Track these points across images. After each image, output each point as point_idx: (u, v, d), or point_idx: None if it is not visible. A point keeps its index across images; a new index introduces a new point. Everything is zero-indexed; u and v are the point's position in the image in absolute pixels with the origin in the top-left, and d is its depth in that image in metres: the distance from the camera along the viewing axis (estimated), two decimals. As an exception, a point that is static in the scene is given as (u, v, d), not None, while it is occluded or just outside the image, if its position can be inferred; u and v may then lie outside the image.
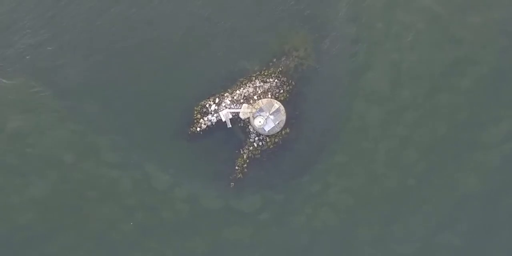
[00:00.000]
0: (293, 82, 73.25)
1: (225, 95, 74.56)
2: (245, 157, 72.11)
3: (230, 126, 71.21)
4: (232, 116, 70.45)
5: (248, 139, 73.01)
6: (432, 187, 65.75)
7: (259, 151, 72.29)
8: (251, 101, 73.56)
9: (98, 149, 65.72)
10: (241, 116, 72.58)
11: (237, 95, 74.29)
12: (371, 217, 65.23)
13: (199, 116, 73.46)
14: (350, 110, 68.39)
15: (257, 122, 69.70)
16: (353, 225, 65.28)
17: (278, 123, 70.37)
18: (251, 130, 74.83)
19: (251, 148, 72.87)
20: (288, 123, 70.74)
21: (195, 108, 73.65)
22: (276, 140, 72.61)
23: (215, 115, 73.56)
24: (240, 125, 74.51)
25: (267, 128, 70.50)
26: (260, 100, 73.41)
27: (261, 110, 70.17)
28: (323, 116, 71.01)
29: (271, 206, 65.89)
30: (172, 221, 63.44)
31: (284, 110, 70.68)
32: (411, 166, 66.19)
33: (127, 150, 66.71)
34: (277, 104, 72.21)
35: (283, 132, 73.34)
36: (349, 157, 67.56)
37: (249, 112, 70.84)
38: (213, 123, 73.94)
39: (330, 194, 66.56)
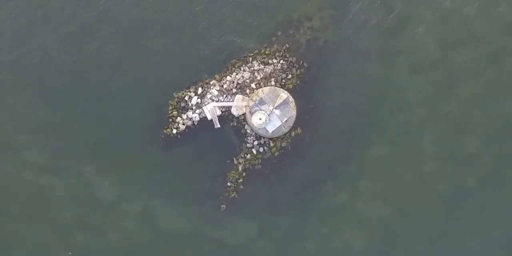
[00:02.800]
0: (305, 64, 60.53)
1: (211, 83, 60.94)
2: (240, 169, 59.42)
3: (219, 126, 58.84)
4: (221, 112, 58.99)
5: (244, 144, 60.35)
6: (500, 189, 52.18)
7: (260, 161, 59.68)
8: (247, 91, 60.74)
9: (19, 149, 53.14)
10: (234, 112, 59.63)
11: (227, 82, 60.72)
12: (414, 234, 53.38)
13: (175, 113, 60.32)
14: (383, 98, 57.39)
15: (256, 120, 57.84)
16: (388, 246, 53.35)
17: (286, 120, 58.52)
18: (248, 131, 61.21)
19: (248, 156, 59.93)
20: (299, 120, 59.16)
21: (170, 102, 60.24)
22: (283, 144, 60.01)
23: (197, 111, 60.48)
24: (233, 124, 61.49)
25: (270, 128, 58.27)
26: (260, 89, 59.90)
27: (261, 102, 58.44)
28: (348, 108, 59.71)
29: (273, 234, 55.23)
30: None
31: (293, 103, 58.85)
32: (470, 159, 53.40)
33: (68, 155, 54.44)
34: (284, 94, 58.85)
35: (293, 133, 60.34)
36: (386, 149, 56.15)
37: (245, 106, 58.44)
38: (195, 123, 60.83)
39: (357, 206, 55.59)
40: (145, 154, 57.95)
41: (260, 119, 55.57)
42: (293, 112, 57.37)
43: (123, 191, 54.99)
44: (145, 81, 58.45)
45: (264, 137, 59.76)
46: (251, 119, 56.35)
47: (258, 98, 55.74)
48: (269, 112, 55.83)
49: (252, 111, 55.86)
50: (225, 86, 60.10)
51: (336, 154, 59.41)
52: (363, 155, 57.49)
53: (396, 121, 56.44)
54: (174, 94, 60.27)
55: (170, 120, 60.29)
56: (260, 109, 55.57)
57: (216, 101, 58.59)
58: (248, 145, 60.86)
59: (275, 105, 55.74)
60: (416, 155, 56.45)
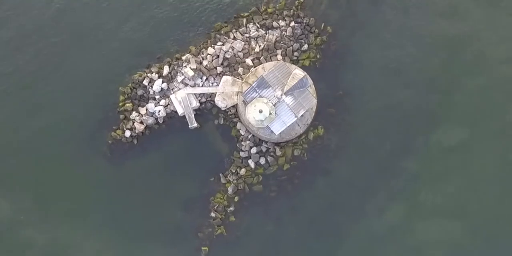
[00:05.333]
0: (328, 28, 47.29)
1: (184, 58, 46.18)
2: (230, 191, 45.60)
3: (196, 125, 45.21)
4: (200, 103, 45.42)
5: (236, 153, 46.50)
6: None
7: (261, 178, 46.25)
8: (240, 70, 45.29)
9: None
10: (219, 102, 44.37)
11: (208, 57, 46.00)
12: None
13: (129, 105, 46.59)
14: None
15: (255, 113, 40.68)
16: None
17: (303, 115, 41.79)
18: (241, 132, 45.78)
19: (242, 171, 45.75)
20: (320, 115, 45.61)
21: (120, 89, 47.03)
22: (296, 152, 46.07)
23: (162, 102, 46.10)
24: (218, 122, 46.72)
25: (277, 127, 41.76)
26: (260, 66, 43.24)
27: (262, 84, 41.13)
28: (395, 97, 47.10)
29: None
30: None
31: (313, 87, 42.30)
32: None
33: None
34: (299, 72, 41.53)
35: (311, 135, 46.00)
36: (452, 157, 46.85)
37: (236, 93, 43.26)
38: (159, 120, 46.41)
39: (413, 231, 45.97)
40: (83, 171, 46.28)
41: (261, 111, 40.27)
42: (313, 101, 42.08)
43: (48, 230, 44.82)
44: (84, 59, 47.23)
45: (266, 142, 45.39)
46: (245, 113, 41.55)
47: (256, 79, 41.41)
48: (275, 101, 41.16)
49: (248, 100, 41.44)
50: (205, 62, 46.07)
51: (376, 166, 46.79)
52: (419, 165, 46.92)
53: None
54: (127, 76, 46.64)
55: (121, 116, 46.51)
56: (260, 96, 41.22)
57: (191, 86, 44.94)
58: (242, 154, 46.11)
59: (285, 90, 40.94)
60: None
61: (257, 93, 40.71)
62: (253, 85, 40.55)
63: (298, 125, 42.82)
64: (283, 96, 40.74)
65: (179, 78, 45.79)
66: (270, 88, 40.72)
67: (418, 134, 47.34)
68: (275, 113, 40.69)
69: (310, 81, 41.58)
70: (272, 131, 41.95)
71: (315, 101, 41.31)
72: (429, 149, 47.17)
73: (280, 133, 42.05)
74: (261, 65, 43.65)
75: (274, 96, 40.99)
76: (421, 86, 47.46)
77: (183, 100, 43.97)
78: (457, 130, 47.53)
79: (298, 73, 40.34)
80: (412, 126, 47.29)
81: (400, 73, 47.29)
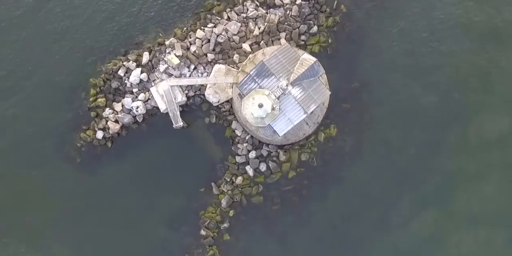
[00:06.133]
0: (342, 6, 40.84)
1: (168, 43, 38.91)
2: (224, 204, 38.76)
3: (181, 124, 37.76)
4: (187, 98, 37.70)
5: (231, 158, 39.27)
6: None
7: (261, 188, 39.30)
8: (235, 58, 37.81)
9: None
10: (211, 96, 36.77)
11: (197, 42, 38.24)
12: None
13: (101, 100, 39.45)
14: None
15: (253, 109, 32.21)
16: None
17: (313, 111, 33.62)
18: (237, 133, 38.23)
19: (239, 180, 38.69)
20: (332, 111, 38.40)
21: (91, 80, 39.88)
22: (303, 157, 38.88)
23: (141, 96, 38.40)
24: (209, 120, 39.41)
25: (281, 126, 33.08)
26: (260, 51, 35.73)
27: (263, 72, 32.23)
28: (421, 91, 40.56)
29: None
30: None
31: (325, 76, 34.25)
32: None
33: None
34: (308, 57, 33.19)
35: (322, 135, 38.59)
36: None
37: (231, 85, 35.18)
38: (138, 119, 39.15)
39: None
40: (45, 181, 39.57)
41: (261, 106, 32.51)
42: (326, 94, 34.51)
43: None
44: (47, 46, 40.83)
45: (268, 144, 38.90)
46: (242, 109, 33.75)
47: (256, 66, 33.40)
48: (279, 93, 33.19)
49: (244, 92, 33.64)
50: (193, 48, 39.28)
51: (399, 171, 39.94)
52: (450, 166, 40.32)
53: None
54: (100, 65, 40.09)
55: (93, 114, 40.23)
56: (260, 87, 33.04)
57: (176, 77, 38.16)
58: (238, 159, 39.81)
59: (292, 79, 32.93)
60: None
61: (256, 84, 32.75)
62: (251, 73, 32.63)
63: (307, 123, 35.39)
64: (289, 87, 32.64)
65: (162, 67, 38.77)
66: (273, 76, 32.69)
67: (448, 131, 41.09)
68: (279, 108, 32.78)
69: (322, 69, 33.63)
70: (275, 131, 34.17)
71: (328, 93, 33.62)
72: (461, 147, 41.02)
73: (285, 133, 34.21)
74: (261, 50, 36.44)
75: (278, 87, 32.94)
76: (451, 77, 41.37)
77: (166, 94, 36.89)
78: (494, 122, 41.44)
79: (308, 58, 32.61)
80: (440, 123, 41.13)
81: (427, 61, 42.06)
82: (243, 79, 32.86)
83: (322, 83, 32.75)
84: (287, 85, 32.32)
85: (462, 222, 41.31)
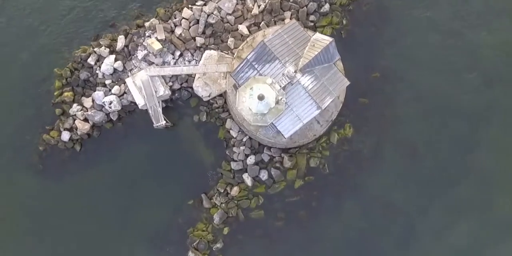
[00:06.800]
0: None
1: (147, 25, 32.80)
2: (217, 219, 33.16)
3: (165, 123, 31.90)
4: (171, 91, 32.11)
5: (225, 164, 33.60)
6: None
7: (261, 201, 33.44)
8: (230, 42, 31.72)
9: None
10: (199, 89, 30.92)
11: (183, 23, 32.15)
12: None
13: (68, 94, 33.06)
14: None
15: (250, 103, 25.90)
16: None
17: (327, 106, 27.29)
18: (232, 133, 32.40)
19: (234, 191, 33.05)
20: (348, 106, 32.32)
21: (56, 71, 33.86)
22: (312, 163, 33.28)
23: (115, 89, 32.19)
24: (199, 118, 33.34)
25: (287, 126, 26.92)
26: (261, 31, 29.97)
27: (263, 56, 26.01)
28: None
29: None
30: None
31: (340, 64, 28.50)
32: None
33: None
34: (322, 37, 26.80)
35: (335, 136, 32.70)
36: None
37: (225, 75, 29.49)
38: (112, 116, 33.06)
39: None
40: (2, 191, 33.38)
41: (262, 98, 25.27)
42: (344, 83, 27.51)
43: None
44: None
45: (270, 148, 32.70)
46: (237, 103, 26.85)
47: (254, 48, 26.55)
48: (285, 82, 25.95)
49: (240, 82, 26.73)
50: (178, 31, 32.84)
51: (428, 176, 33.67)
52: (490, 168, 34.33)
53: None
54: (66, 52, 33.64)
55: (58, 111, 33.81)
56: (259, 74, 26.09)
57: (158, 66, 31.71)
58: (234, 165, 33.66)
59: (301, 64, 25.96)
60: None
61: (255, 71, 26.06)
62: (248, 57, 26.02)
63: (318, 122, 28.85)
64: (298, 75, 25.83)
65: (140, 53, 32.29)
66: (277, 61, 25.91)
67: (484, 130, 35.56)
68: (285, 102, 26.16)
69: (337, 54, 27.01)
70: (278, 132, 27.64)
71: (347, 83, 27.02)
72: (498, 148, 35.52)
73: (292, 135, 27.74)
74: (260, 32, 29.86)
75: (283, 74, 26.23)
76: (487, 70, 35.51)
77: (145, 86, 30.41)
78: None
79: (321, 38, 25.99)
80: (475, 120, 35.57)
81: (461, 51, 36.47)
82: (239, 65, 25.98)
83: (338, 70, 26.09)
84: (295, 72, 25.13)
85: (502, 231, 35.86)
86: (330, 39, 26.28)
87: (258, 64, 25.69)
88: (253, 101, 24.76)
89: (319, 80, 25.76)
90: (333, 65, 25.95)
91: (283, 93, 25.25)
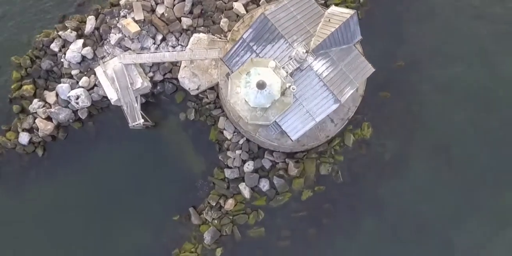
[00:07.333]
0: None
1: (121, 3, 27.74)
2: (208, 239, 28.50)
3: (144, 122, 27.00)
4: (152, 83, 26.92)
5: (217, 171, 28.82)
6: None
7: (262, 216, 28.64)
8: (221, 23, 26.45)
9: None
10: (185, 81, 26.08)
11: (165, 1, 27.27)
12: None
13: (28, 87, 28.15)
14: None
15: (246, 93, 19.83)
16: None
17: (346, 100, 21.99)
18: (226, 135, 27.75)
19: (229, 204, 28.32)
20: (366, 102, 27.26)
21: (13, 59, 28.86)
22: (323, 170, 28.33)
23: (83, 80, 26.94)
24: (187, 117, 28.62)
25: (296, 125, 21.41)
26: (259, 8, 24.71)
27: (263, 33, 20.43)
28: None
29: None
30: None
31: (360, 49, 22.98)
32: None
33: None
34: (338, 12, 21.00)
35: (352, 137, 28.15)
36: None
37: (216, 63, 24.82)
38: (80, 113, 28.00)
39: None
40: None
41: (262, 86, 18.87)
42: (367, 70, 21.59)
43: None
44: None
45: (272, 151, 27.32)
46: (229, 93, 20.48)
47: (253, 23, 20.48)
48: (293, 67, 19.55)
49: (235, 68, 20.63)
50: (160, 10, 27.16)
51: (465, 187, 28.53)
52: None
53: None
54: (26, 37, 28.33)
55: (16, 108, 28.41)
56: (258, 55, 20.07)
57: (135, 52, 25.84)
58: (228, 173, 28.33)
59: (313, 45, 19.85)
60: None
61: (253, 53, 20.41)
62: (244, 35, 20.28)
63: (332, 120, 23.37)
64: (310, 59, 19.99)
65: (114, 37, 26.77)
66: (282, 40, 20.09)
67: None
68: (293, 93, 20.15)
69: (357, 29, 21.25)
70: (283, 133, 22.00)
71: (371, 69, 21.64)
72: None
73: (299, 137, 22.06)
74: (260, 9, 24.06)
75: (290, 57, 20.30)
76: None
77: (118, 77, 25.11)
78: None
79: (339, 12, 20.31)
80: None
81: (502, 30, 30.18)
82: (232, 47, 20.34)
83: (360, 53, 20.58)
84: (306, 54, 19.19)
85: None
86: (351, 11, 20.21)
87: (258, 45, 19.83)
88: (250, 91, 18.66)
89: (336, 65, 19.95)
90: (354, 46, 20.26)
91: (291, 80, 19.15)
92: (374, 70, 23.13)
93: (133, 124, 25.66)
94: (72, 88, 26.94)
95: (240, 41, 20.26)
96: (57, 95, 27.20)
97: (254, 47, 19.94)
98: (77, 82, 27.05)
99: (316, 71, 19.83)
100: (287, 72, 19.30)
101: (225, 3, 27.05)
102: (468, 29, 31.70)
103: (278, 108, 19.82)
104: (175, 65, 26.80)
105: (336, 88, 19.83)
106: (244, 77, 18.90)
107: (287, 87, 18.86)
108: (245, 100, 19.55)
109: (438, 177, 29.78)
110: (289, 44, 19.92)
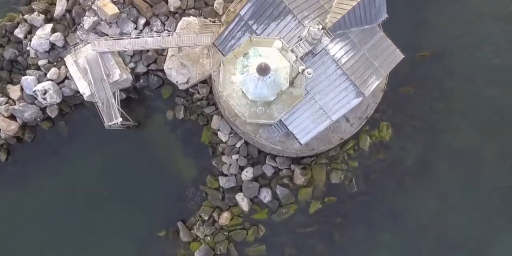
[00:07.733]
0: None
1: None
2: None
3: (119, 121, 23.37)
4: (134, 76, 23.89)
5: (210, 178, 25.77)
6: None
7: (263, 232, 26.02)
8: (215, 5, 23.34)
9: None
10: (172, 73, 23.00)
11: None
12: None
13: None
14: None
15: (244, 85, 15.19)
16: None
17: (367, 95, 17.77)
18: (221, 137, 24.67)
19: (224, 217, 25.37)
20: (386, 98, 23.69)
21: None
22: (334, 178, 25.33)
23: (52, 72, 23.38)
24: (175, 116, 25.45)
25: (304, 125, 17.61)
26: None
27: (265, 7, 16.16)
28: None
29: None
30: None
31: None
32: None
33: None
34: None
35: (368, 140, 25.02)
36: None
37: (207, 51, 21.64)
38: (49, 111, 24.51)
39: None
40: None
41: (264, 71, 13.94)
42: (396, 57, 17.63)
43: None
44: None
45: (275, 156, 23.75)
46: (220, 83, 16.41)
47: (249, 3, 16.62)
48: (305, 50, 14.85)
49: (229, 52, 16.29)
50: None
51: (495, 195, 25.29)
52: None
53: None
54: None
55: None
56: (258, 36, 15.84)
57: (112, 38, 22.17)
58: (223, 181, 24.69)
59: (330, 23, 16.03)
60: None
61: (253, 33, 16.58)
62: (241, 12, 16.43)
63: (348, 120, 19.49)
64: (325, 41, 16.10)
65: (88, 21, 23.01)
66: (289, 17, 16.19)
67: None
68: (303, 84, 15.95)
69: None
70: (289, 134, 18.30)
71: (400, 56, 17.87)
72: None
73: (310, 139, 18.18)
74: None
75: (301, 37, 16.38)
76: None
77: (92, 68, 21.43)
78: None
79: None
80: None
81: None
82: (227, 26, 16.44)
83: (385, 35, 16.61)
84: (320, 35, 15.16)
85: None
86: (357, -1, 16.09)
87: (258, 23, 15.91)
88: (249, 78, 14.31)
89: (358, 49, 16.13)
90: (378, 27, 16.42)
91: (301, 65, 14.84)
92: (403, 56, 18.45)
93: (109, 123, 21.79)
94: (39, 81, 23.06)
95: (237, 19, 16.34)
96: (22, 89, 23.26)
97: (254, 26, 16.03)
98: (45, 74, 23.17)
99: (333, 56, 15.82)
100: (296, 56, 14.93)
101: (221, -20, 23.70)
102: (506, 13, 29.15)
103: (285, 102, 15.68)
104: (160, 54, 22.96)
105: (358, 77, 16.02)
106: (240, 60, 14.34)
107: (299, 73, 14.08)
108: (242, 92, 15.04)
109: (468, 185, 26.02)
110: (299, 22, 16.02)
